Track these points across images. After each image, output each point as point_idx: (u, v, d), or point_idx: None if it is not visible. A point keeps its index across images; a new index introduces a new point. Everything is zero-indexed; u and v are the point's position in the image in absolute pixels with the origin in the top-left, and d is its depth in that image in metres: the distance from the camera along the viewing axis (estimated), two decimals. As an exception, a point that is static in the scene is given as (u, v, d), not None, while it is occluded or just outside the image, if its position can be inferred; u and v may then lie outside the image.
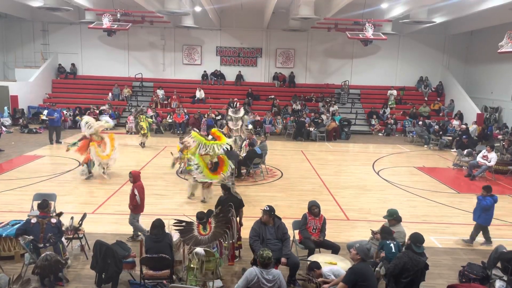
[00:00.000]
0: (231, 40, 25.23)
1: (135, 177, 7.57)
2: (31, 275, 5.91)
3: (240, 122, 12.79)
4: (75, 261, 6.81)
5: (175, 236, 6.42)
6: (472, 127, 19.63)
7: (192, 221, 6.31)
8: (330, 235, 7.13)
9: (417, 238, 5.80)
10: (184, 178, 12.09)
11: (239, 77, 24.97)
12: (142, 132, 16.62)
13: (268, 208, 6.45)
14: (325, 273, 5.74)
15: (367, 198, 10.79)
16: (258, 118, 21.12)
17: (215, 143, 9.67)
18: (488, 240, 8.06)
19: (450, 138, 18.60)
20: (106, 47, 24.99)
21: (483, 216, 7.94)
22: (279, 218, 6.62)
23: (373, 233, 6.85)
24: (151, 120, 18.36)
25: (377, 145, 18.96)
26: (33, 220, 6.16)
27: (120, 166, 12.43)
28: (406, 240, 6.39)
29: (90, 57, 25.17)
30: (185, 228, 6.15)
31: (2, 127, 18.79)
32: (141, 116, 16.97)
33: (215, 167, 9.84)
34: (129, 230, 8.05)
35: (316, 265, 5.87)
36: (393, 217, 6.71)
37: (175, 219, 6.27)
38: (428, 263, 5.83)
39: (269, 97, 24.02)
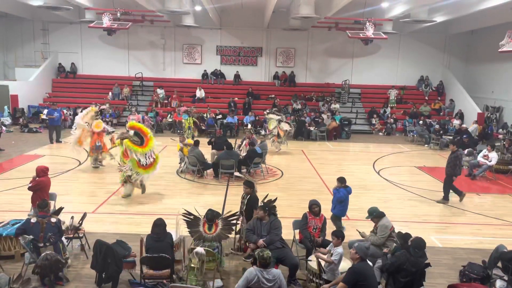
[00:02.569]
0: (231, 39, 25.22)
1: (37, 172, 7.65)
2: (31, 275, 5.91)
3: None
4: (75, 261, 6.80)
5: (175, 235, 6.43)
6: (473, 127, 19.61)
7: (199, 217, 6.34)
8: (330, 235, 7.11)
9: (417, 244, 5.73)
10: (185, 177, 12.12)
11: (237, 76, 24.91)
12: (192, 133, 17.02)
13: (262, 204, 6.61)
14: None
15: (367, 198, 10.75)
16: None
17: (139, 150, 9.60)
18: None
19: (451, 137, 18.57)
20: (106, 46, 24.97)
21: (338, 207, 7.96)
22: (275, 215, 6.65)
23: (361, 233, 6.86)
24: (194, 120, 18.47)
25: (378, 145, 18.95)
26: (33, 220, 6.16)
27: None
28: (389, 232, 6.51)
29: (90, 56, 25.16)
30: (192, 221, 6.27)
31: (2, 126, 18.80)
32: (190, 118, 17.53)
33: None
34: (130, 230, 8.07)
35: (340, 235, 5.94)
36: (373, 215, 6.76)
37: (185, 210, 6.38)
38: (429, 262, 5.82)
39: (270, 96, 24.01)
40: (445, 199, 10.40)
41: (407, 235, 6.17)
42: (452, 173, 10.16)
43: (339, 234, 5.96)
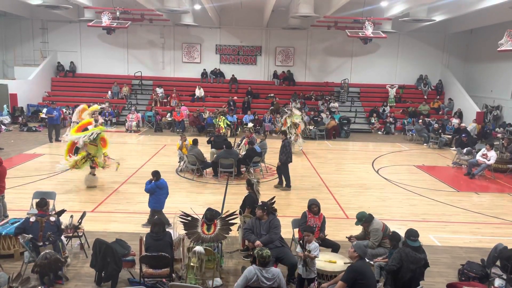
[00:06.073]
0: (230, 38, 25.20)
1: None
2: (30, 274, 5.90)
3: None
4: (74, 260, 6.80)
5: (173, 235, 6.42)
6: (472, 126, 19.62)
7: (197, 217, 6.33)
8: (330, 234, 7.12)
9: (410, 232, 5.74)
10: (184, 176, 12.13)
11: (234, 80, 24.71)
12: (222, 131, 17.54)
13: (261, 203, 6.64)
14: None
15: (366, 197, 10.80)
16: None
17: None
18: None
19: (450, 136, 18.61)
20: (105, 45, 24.95)
21: (151, 200, 7.99)
22: (274, 214, 6.66)
23: (349, 239, 6.80)
24: (229, 122, 19.01)
25: (377, 144, 18.96)
26: (32, 219, 6.16)
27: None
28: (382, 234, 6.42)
29: (89, 55, 25.13)
30: (190, 222, 6.23)
31: (1, 125, 18.79)
32: (221, 116, 17.86)
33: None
34: (129, 228, 8.07)
35: (310, 230, 5.86)
36: (363, 221, 6.60)
37: (182, 212, 6.33)
38: (428, 261, 5.82)
39: (269, 95, 24.01)
40: (287, 186, 11.18)
41: (396, 234, 6.15)
42: (280, 159, 11.02)
43: (309, 230, 5.87)
